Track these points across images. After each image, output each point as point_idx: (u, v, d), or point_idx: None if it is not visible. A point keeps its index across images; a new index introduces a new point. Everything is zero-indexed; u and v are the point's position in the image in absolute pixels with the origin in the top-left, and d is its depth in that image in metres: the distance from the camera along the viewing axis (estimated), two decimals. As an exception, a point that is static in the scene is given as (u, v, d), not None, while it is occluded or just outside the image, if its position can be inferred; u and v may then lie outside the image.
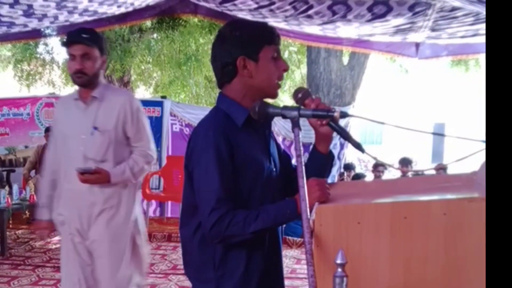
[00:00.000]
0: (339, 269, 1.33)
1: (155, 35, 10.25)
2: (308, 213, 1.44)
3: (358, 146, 1.65)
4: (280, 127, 7.96)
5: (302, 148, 1.53)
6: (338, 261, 1.33)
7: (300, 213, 1.49)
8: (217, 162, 1.67)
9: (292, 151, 8.01)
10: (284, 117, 1.61)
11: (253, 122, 1.76)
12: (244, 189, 1.72)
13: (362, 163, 11.99)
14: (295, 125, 1.58)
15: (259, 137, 1.82)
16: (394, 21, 4.68)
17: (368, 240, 1.47)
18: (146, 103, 8.45)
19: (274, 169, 1.83)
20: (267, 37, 1.78)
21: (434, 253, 1.44)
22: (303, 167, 1.48)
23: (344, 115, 1.64)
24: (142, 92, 13.21)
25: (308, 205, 1.45)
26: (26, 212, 6.31)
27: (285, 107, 1.63)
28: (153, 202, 8.04)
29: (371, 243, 1.47)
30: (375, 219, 1.47)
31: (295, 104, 1.72)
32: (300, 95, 1.73)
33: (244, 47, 1.74)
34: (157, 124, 8.25)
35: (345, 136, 1.68)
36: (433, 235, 1.44)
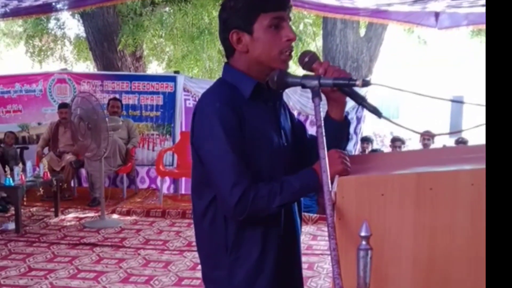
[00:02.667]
0: (364, 242, 1.29)
1: (167, 9, 10.15)
2: (330, 186, 1.38)
3: (374, 110, 1.54)
4: (295, 102, 7.88)
5: (322, 119, 1.47)
6: (362, 234, 1.28)
7: (321, 184, 1.41)
8: (228, 136, 1.56)
9: (307, 126, 7.95)
10: (304, 86, 1.53)
11: (261, 94, 1.67)
12: (253, 163, 1.61)
13: (378, 138, 11.87)
14: (315, 94, 1.49)
15: (268, 109, 1.71)
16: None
17: (392, 213, 1.42)
18: (159, 78, 8.43)
19: (285, 142, 1.73)
20: (263, 3, 1.59)
21: (460, 225, 1.39)
22: (324, 138, 1.41)
23: (366, 83, 1.50)
24: (155, 67, 13.16)
25: (329, 177, 1.39)
26: (40, 189, 6.33)
27: (305, 76, 1.55)
28: (167, 178, 8.05)
29: (395, 216, 1.42)
30: (400, 191, 1.42)
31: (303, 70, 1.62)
32: (307, 59, 1.62)
33: (237, 19, 1.60)
34: (170, 100, 8.22)
35: (360, 100, 1.58)
36: (459, 206, 1.39)
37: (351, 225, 1.42)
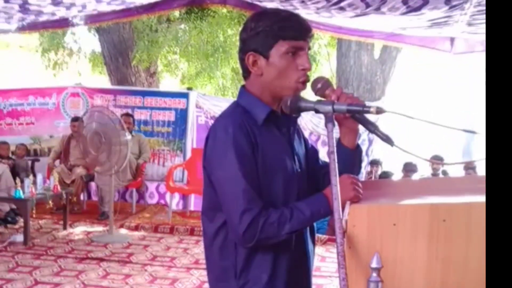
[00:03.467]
0: (374, 274, 1.26)
1: (182, 26, 10.23)
2: (341, 213, 1.36)
3: (387, 139, 1.53)
4: (307, 121, 7.85)
5: (335, 145, 1.45)
6: (374, 265, 1.26)
7: (332, 210, 1.40)
8: (240, 162, 1.55)
9: (319, 146, 7.92)
10: (317, 111, 1.51)
11: (275, 119, 1.66)
12: (266, 188, 1.60)
13: (389, 160, 11.77)
14: (329, 120, 1.47)
15: (282, 135, 1.69)
16: (429, 15, 4.55)
17: (404, 243, 1.40)
18: (171, 94, 8.46)
19: (299, 169, 1.71)
20: (284, 30, 1.58)
21: (474, 259, 1.36)
22: (336, 165, 1.39)
23: (380, 111, 1.48)
24: (168, 83, 13.22)
25: (340, 204, 1.36)
26: (50, 202, 6.34)
27: (319, 101, 1.53)
28: (176, 195, 8.03)
29: (407, 246, 1.40)
30: (412, 221, 1.40)
31: (315, 96, 1.61)
32: (320, 85, 1.61)
33: (256, 42, 1.60)
34: (182, 116, 8.24)
35: (372, 128, 1.56)
36: (473, 239, 1.36)
37: (362, 255, 1.39)
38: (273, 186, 1.62)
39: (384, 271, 1.28)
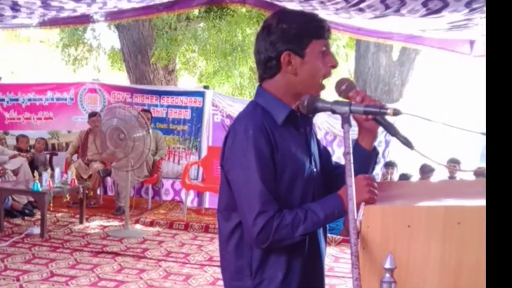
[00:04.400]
0: (387, 275, 1.27)
1: (202, 24, 10.26)
2: (355, 214, 1.37)
3: (406, 142, 1.54)
4: (323, 121, 7.84)
5: (351, 146, 1.46)
6: (387, 266, 1.27)
7: (346, 211, 1.42)
8: (259, 163, 1.57)
9: (335, 146, 7.91)
10: (334, 112, 1.53)
11: (293, 119, 1.68)
12: (283, 189, 1.63)
13: (406, 162, 11.69)
14: (345, 121, 1.49)
15: (300, 135, 1.72)
16: (449, 17, 4.52)
17: (417, 245, 1.40)
18: (188, 93, 8.51)
19: (315, 169, 1.74)
20: (316, 30, 1.65)
21: (488, 262, 1.35)
22: (352, 165, 1.41)
23: (397, 112, 1.51)
24: (186, 81, 13.28)
25: (355, 205, 1.37)
26: (67, 195, 6.42)
27: (336, 102, 1.55)
28: (192, 192, 8.07)
29: (421, 248, 1.40)
30: (427, 223, 1.40)
31: (338, 98, 1.63)
32: (344, 87, 1.63)
33: (290, 41, 1.63)
34: (198, 114, 8.27)
35: (393, 131, 1.57)
36: (488, 243, 1.36)
37: (375, 255, 1.40)
38: (291, 187, 1.65)
39: (397, 272, 1.29)
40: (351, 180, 1.40)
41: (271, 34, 1.66)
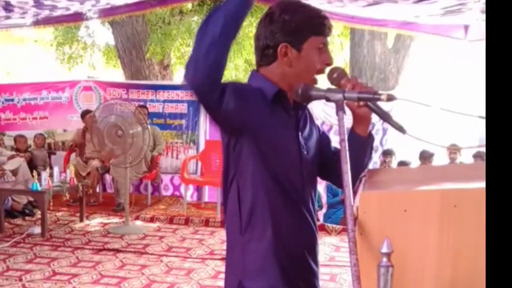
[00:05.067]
0: (384, 259, 1.27)
1: (195, 18, 10.22)
2: (352, 200, 1.37)
3: (399, 128, 1.53)
4: (319, 111, 7.83)
5: (346, 133, 1.46)
6: (384, 250, 1.27)
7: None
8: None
9: (331, 136, 7.89)
10: (328, 99, 1.54)
11: (283, 101, 1.71)
12: (270, 171, 1.66)
13: (404, 149, 11.70)
14: (340, 108, 1.50)
15: (289, 117, 1.74)
16: (442, 3, 4.51)
17: (414, 229, 1.40)
18: (183, 87, 8.46)
19: (306, 152, 1.75)
20: (317, 27, 1.68)
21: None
22: (347, 153, 1.41)
23: (391, 98, 1.50)
24: (181, 75, 13.24)
25: (351, 191, 1.38)
26: (67, 194, 6.42)
27: (329, 90, 1.56)
28: (191, 186, 8.07)
29: (418, 233, 1.40)
30: (423, 207, 1.40)
31: (331, 86, 1.64)
32: (335, 75, 1.64)
33: (289, 34, 1.66)
34: (194, 108, 8.26)
35: (385, 117, 1.57)
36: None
37: (373, 241, 1.40)
38: (274, 162, 1.68)
39: (394, 256, 1.29)
40: (346, 167, 1.40)
41: (273, 22, 1.68)
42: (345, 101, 1.53)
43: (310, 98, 1.57)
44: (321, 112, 7.88)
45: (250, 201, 1.67)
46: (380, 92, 1.54)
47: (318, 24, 1.68)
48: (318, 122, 8.02)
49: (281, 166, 1.69)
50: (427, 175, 1.74)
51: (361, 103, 1.58)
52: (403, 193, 1.47)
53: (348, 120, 1.55)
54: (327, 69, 1.71)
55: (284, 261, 1.70)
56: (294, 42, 1.66)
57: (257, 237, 1.69)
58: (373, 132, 1.79)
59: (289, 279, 1.71)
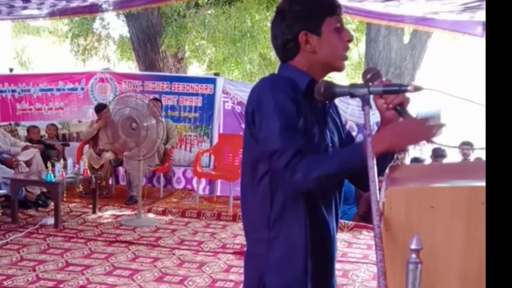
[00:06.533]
0: (413, 255, 1.25)
1: (210, 11, 10.21)
2: (378, 195, 1.35)
3: None
4: (334, 106, 7.80)
5: (372, 127, 1.44)
6: (413, 247, 1.25)
7: (364, 160, 1.43)
8: (278, 106, 1.58)
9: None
10: (353, 95, 1.53)
11: (313, 93, 1.66)
12: None
13: (416, 147, 11.64)
14: (365, 103, 1.50)
15: (318, 109, 1.72)
16: (463, -2, 4.45)
17: (441, 226, 1.39)
18: (198, 80, 8.49)
19: (330, 143, 1.73)
20: (328, 8, 1.69)
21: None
22: (371, 148, 1.39)
23: (418, 88, 1.50)
24: (196, 68, 13.25)
25: (377, 186, 1.35)
26: (80, 185, 6.43)
27: (353, 85, 1.54)
28: (203, 180, 8.07)
29: (445, 229, 1.39)
30: (451, 204, 1.39)
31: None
32: (369, 75, 1.61)
33: (305, 22, 1.67)
34: (209, 102, 8.25)
35: None
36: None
37: (399, 237, 1.39)
38: None
39: (421, 253, 1.27)
40: (372, 161, 1.39)
41: (286, 17, 1.70)
42: (374, 102, 1.56)
43: (334, 95, 1.55)
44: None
45: (283, 198, 1.65)
46: (406, 84, 1.53)
47: (328, 4, 1.70)
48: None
49: None
50: (447, 172, 1.73)
51: (390, 106, 1.58)
52: (431, 189, 1.46)
53: (373, 114, 1.53)
54: (347, 66, 1.68)
55: (310, 258, 1.68)
56: (312, 28, 1.67)
57: (286, 234, 1.67)
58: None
59: (313, 276, 1.69)
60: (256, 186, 1.70)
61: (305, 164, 1.53)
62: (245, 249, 1.83)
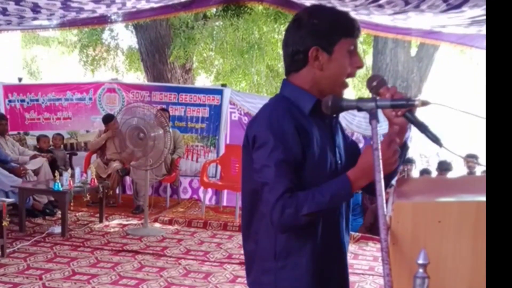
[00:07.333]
0: (421, 270, 1.26)
1: (218, 23, 10.28)
2: (385, 209, 1.36)
3: (436, 140, 1.51)
4: (340, 118, 7.79)
5: (379, 141, 1.45)
6: (420, 261, 1.26)
7: (352, 193, 1.49)
8: (276, 144, 1.58)
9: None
10: (360, 109, 1.52)
11: (319, 111, 1.66)
12: (306, 181, 1.62)
13: (423, 158, 11.64)
14: (373, 117, 1.49)
15: (325, 127, 1.72)
16: (470, 12, 4.46)
17: (448, 240, 1.40)
18: (205, 91, 8.53)
19: (339, 160, 1.73)
20: (346, 29, 1.65)
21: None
22: (380, 161, 1.40)
23: (425, 103, 1.49)
24: (203, 79, 13.31)
25: (384, 200, 1.36)
26: (87, 195, 6.47)
27: (360, 99, 1.54)
28: (210, 190, 8.09)
29: (452, 244, 1.40)
30: (458, 219, 1.39)
31: (369, 94, 1.62)
32: (375, 83, 1.60)
33: (320, 37, 1.64)
34: (216, 112, 8.29)
35: (422, 128, 1.54)
36: (520, 238, 1.34)
37: (406, 251, 1.39)
38: (313, 177, 1.63)
39: (429, 267, 1.27)
40: (379, 175, 1.39)
41: (301, 28, 1.67)
42: (381, 110, 1.53)
43: (341, 109, 1.55)
44: (342, 119, 7.82)
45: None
46: (414, 98, 1.54)
47: (348, 25, 1.66)
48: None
49: (321, 179, 1.63)
50: (454, 186, 1.73)
51: (399, 113, 1.56)
52: (438, 204, 1.46)
53: (381, 127, 1.54)
54: (358, 74, 1.70)
55: (319, 284, 1.69)
56: (324, 45, 1.64)
57: (293, 264, 1.67)
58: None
59: None
60: (260, 217, 1.70)
61: (295, 200, 1.55)
62: None
